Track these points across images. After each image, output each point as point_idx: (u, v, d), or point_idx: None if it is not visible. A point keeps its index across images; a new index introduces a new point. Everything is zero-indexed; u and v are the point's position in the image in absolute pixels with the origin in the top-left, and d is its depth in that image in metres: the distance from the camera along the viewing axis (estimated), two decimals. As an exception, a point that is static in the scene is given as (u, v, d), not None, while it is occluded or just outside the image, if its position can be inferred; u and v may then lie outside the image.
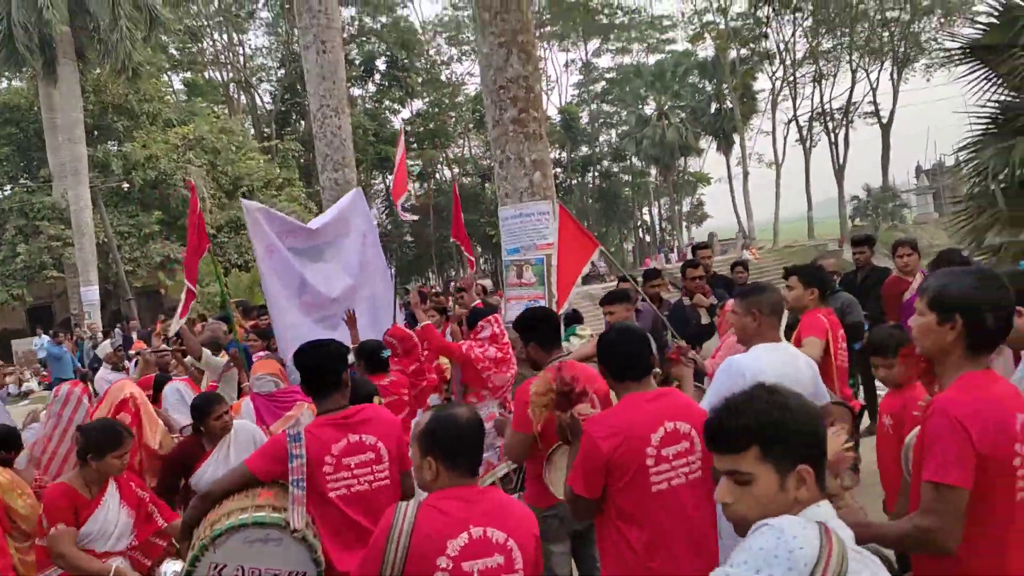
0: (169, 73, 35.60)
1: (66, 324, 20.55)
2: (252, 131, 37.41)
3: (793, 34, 42.64)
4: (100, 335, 16.38)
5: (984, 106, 7.38)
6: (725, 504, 1.51)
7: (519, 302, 6.21)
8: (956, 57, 7.72)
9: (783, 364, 2.94)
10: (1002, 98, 7.29)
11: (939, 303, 2.01)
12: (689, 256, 8.35)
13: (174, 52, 35.69)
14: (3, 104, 25.66)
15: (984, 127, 7.39)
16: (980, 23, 7.39)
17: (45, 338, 18.36)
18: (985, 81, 7.29)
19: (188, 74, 38.32)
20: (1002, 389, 1.98)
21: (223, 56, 40.58)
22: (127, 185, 23.76)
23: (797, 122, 44.75)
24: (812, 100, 44.66)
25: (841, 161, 43.10)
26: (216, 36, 39.68)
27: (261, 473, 2.85)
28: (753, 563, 1.33)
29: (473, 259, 7.31)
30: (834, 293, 5.78)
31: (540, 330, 3.48)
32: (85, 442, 3.43)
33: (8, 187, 25.54)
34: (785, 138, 46.13)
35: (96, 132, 25.96)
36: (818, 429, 1.49)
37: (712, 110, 47.45)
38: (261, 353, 5.96)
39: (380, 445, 2.93)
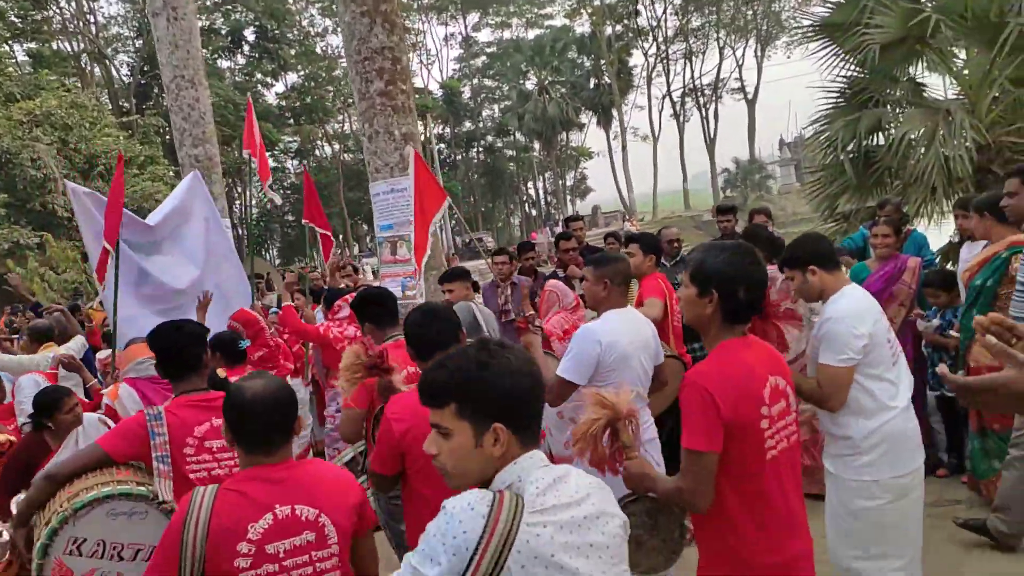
0: (10, 43, 32.32)
1: None
2: (109, 106, 34.69)
3: (664, 12, 44.05)
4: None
5: (834, 81, 7.83)
6: (432, 455, 1.54)
7: (395, 279, 6.07)
8: (809, 34, 8.14)
9: (630, 327, 3.18)
10: (850, 73, 7.75)
11: (697, 277, 2.13)
12: (562, 229, 8.37)
13: (15, 20, 32.43)
14: None
15: (834, 101, 7.84)
16: (830, 2, 7.79)
17: None
18: (834, 57, 7.73)
19: (33, 44, 34.97)
20: (755, 355, 2.11)
21: (72, 25, 37.31)
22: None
23: (671, 97, 46.47)
24: (683, 76, 46.58)
25: (712, 135, 45.20)
26: (63, 3, 36.41)
27: (116, 454, 2.70)
28: (427, 550, 1.39)
29: (330, 236, 7.07)
30: (681, 261, 5.99)
31: (373, 310, 3.52)
32: None
33: None
34: (660, 113, 47.81)
35: (-77, 106, 23.34)
36: (516, 389, 1.50)
37: (591, 85, 48.38)
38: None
39: None
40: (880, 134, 7.42)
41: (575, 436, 2.16)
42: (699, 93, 46.06)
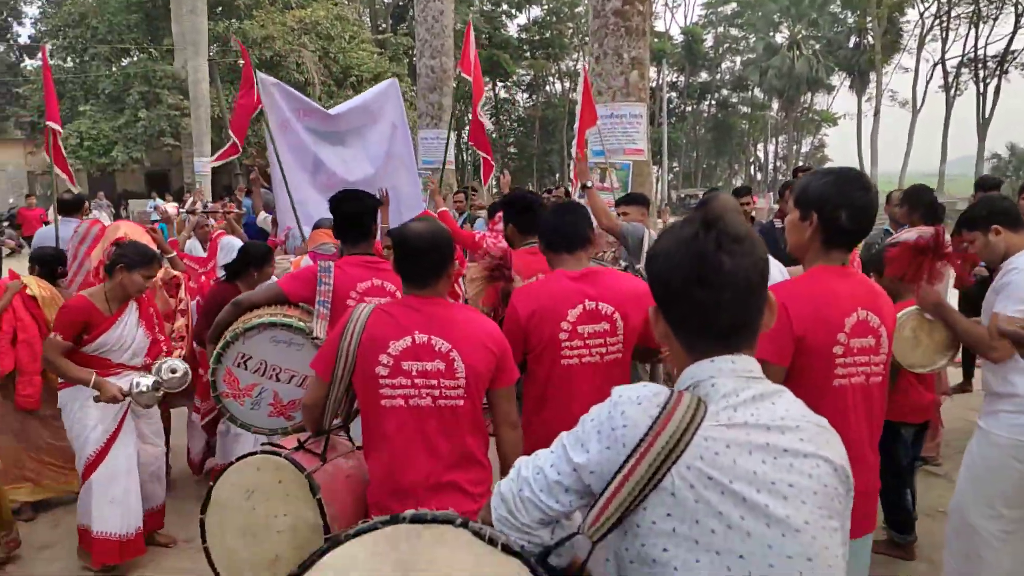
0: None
1: (180, 193, 21.63)
2: (368, 23, 37.35)
3: (957, -35, 38.45)
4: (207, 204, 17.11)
5: None
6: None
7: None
8: None
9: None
10: None
11: (800, 200, 2.10)
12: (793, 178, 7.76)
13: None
14: (136, -28, 26.46)
15: None
16: None
17: (159, 201, 19.43)
18: None
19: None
20: (849, 286, 2.07)
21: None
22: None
23: (944, 66, 40.86)
24: (965, 43, 40.49)
25: (987, 114, 39.30)
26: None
27: (291, 294, 3.10)
28: (581, 434, 1.24)
29: (490, 160, 7.15)
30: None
31: (519, 214, 3.79)
32: (119, 255, 3.60)
33: (134, 54, 26.61)
34: (927, 82, 42.39)
35: (219, 7, 26.52)
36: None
37: (850, 44, 43.84)
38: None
39: (398, 293, 3.08)
40: None
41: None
42: (980, 64, 40.07)
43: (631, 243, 4.19)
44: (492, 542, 1.25)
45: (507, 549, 1.25)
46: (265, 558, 2.28)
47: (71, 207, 5.70)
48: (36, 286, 4.39)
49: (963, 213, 3.07)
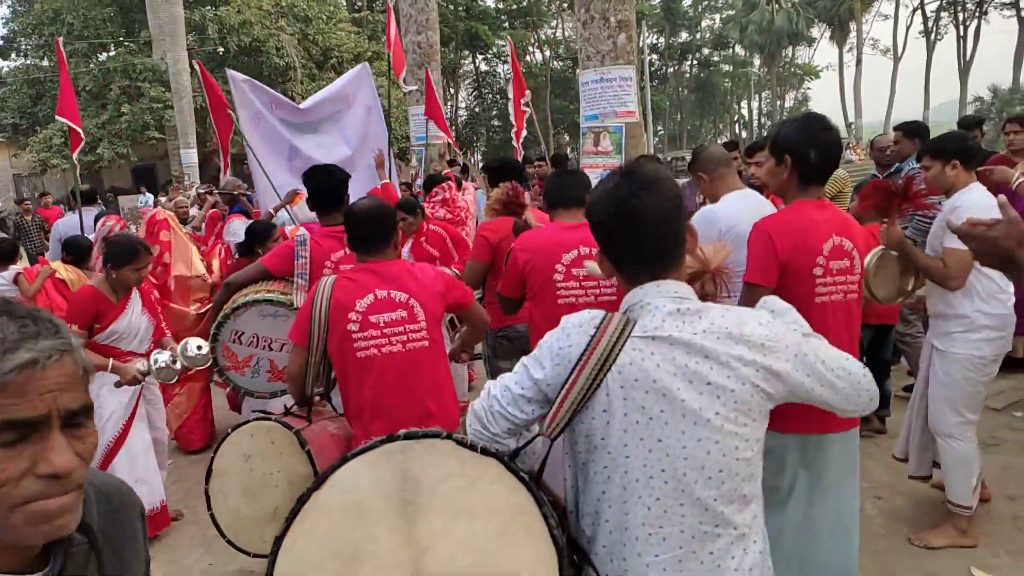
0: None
1: (167, 186, 21.55)
2: (344, 3, 36.95)
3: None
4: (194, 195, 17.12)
5: None
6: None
7: (593, 171, 6.11)
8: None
9: (752, 209, 3.09)
10: None
11: (774, 147, 2.40)
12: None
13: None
14: (106, -36, 26.06)
15: None
16: None
17: (149, 196, 19.38)
18: None
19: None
20: (825, 216, 2.35)
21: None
22: (222, 49, 24.10)
23: (923, 11, 40.81)
24: (944, -14, 40.42)
25: (968, 58, 39.32)
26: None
27: (274, 270, 3.41)
28: (538, 355, 1.50)
29: (452, 137, 7.51)
30: (897, 171, 5.72)
31: (504, 176, 4.12)
32: (107, 252, 3.75)
33: (112, 48, 26.31)
34: (907, 28, 42.30)
35: (194, -4, 26.22)
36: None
37: (829, -6, 43.67)
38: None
39: None
40: None
41: None
42: (959, 7, 40.00)
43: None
44: (472, 448, 1.51)
45: (485, 452, 1.51)
46: (266, 512, 2.63)
47: (89, 197, 6.05)
48: (64, 271, 4.75)
49: (932, 141, 3.39)
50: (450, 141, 8.61)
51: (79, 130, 5.43)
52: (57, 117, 5.39)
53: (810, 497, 2.33)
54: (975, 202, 3.05)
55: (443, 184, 6.11)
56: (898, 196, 3.09)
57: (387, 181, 6.00)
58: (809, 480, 2.34)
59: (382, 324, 2.53)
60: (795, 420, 2.19)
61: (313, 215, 3.65)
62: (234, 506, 2.68)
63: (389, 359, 2.53)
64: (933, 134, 4.05)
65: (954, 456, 3.26)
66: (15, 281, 4.91)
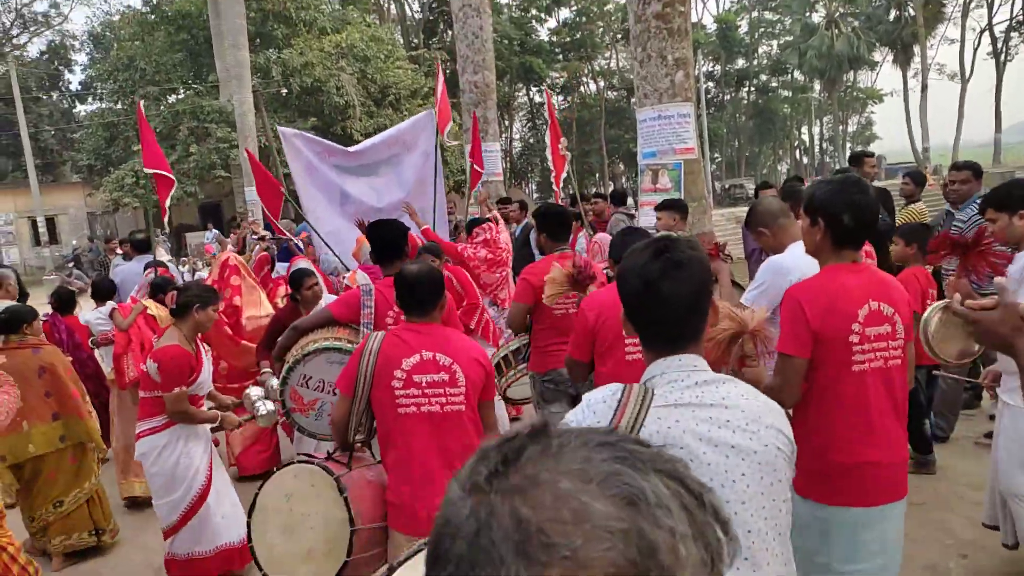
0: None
1: (232, 222, 22.23)
2: (401, 40, 37.86)
3: (998, -74, 37.14)
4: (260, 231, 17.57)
5: None
6: None
7: (651, 208, 5.97)
8: None
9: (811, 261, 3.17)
10: None
11: (808, 208, 2.36)
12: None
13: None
14: (176, 12, 27.31)
15: None
16: None
17: (215, 231, 20.01)
18: None
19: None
20: (860, 280, 2.28)
21: (375, -37, 40.91)
22: (285, 90, 24.90)
23: (992, 32, 39.48)
24: (1012, 6, 39.01)
25: (1042, 77, 37.71)
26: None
27: (340, 316, 3.55)
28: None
29: (480, 171, 7.91)
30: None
31: (551, 224, 4.14)
32: (187, 296, 3.84)
33: (181, 91, 27.49)
34: (975, 50, 40.93)
35: (258, 39, 27.22)
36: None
37: (890, 17, 42.67)
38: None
39: None
40: None
41: (706, 337, 2.25)
42: (1030, 26, 38.56)
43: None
44: None
45: None
46: (300, 551, 2.72)
47: (143, 246, 6.66)
48: (154, 307, 5.22)
49: (994, 191, 3.20)
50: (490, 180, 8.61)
51: (170, 176, 5.53)
52: (146, 169, 5.57)
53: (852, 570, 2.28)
54: None
55: (484, 225, 6.15)
56: (967, 249, 2.95)
57: (426, 227, 6.06)
58: (849, 553, 2.27)
59: (424, 384, 2.63)
60: (840, 492, 2.22)
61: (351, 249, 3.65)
62: (271, 541, 2.79)
63: (426, 418, 2.64)
64: (1007, 155, 3.83)
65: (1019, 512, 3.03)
66: (111, 315, 5.40)
